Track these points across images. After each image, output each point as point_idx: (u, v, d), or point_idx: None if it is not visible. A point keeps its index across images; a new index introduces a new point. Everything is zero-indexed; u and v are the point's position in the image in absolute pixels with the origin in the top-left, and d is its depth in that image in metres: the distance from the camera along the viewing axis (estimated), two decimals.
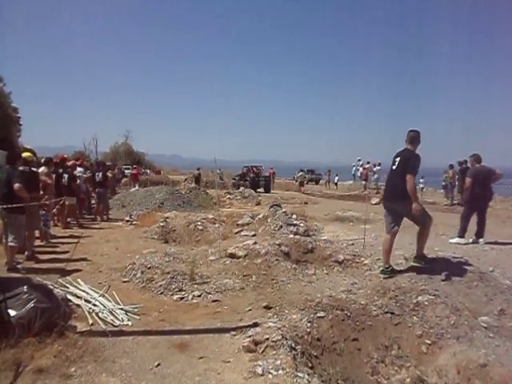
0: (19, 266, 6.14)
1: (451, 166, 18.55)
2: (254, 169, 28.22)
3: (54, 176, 9.71)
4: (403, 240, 8.43)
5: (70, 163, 11.44)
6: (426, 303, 4.86)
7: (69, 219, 10.83)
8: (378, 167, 26.05)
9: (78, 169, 12.58)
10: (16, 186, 5.95)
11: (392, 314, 4.74)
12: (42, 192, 7.61)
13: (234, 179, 28.42)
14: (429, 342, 4.38)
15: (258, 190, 24.30)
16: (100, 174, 11.98)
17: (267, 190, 25.70)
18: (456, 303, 4.85)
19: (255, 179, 26.69)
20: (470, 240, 8.44)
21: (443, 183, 21.53)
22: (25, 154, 7.11)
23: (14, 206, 5.96)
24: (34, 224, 7.22)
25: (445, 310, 4.72)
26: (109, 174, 13.84)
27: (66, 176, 10.41)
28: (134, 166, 27.37)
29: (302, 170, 32.22)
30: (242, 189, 22.22)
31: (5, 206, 6.02)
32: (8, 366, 3.09)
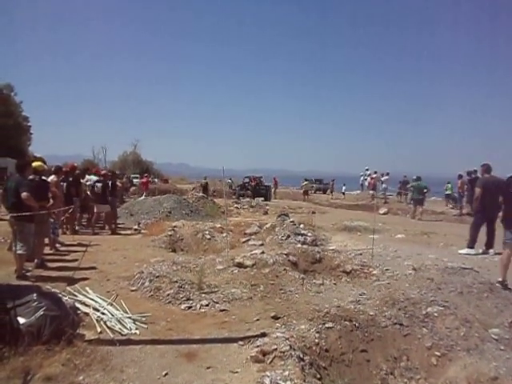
0: (28, 274, 6.18)
1: (460, 176, 18.40)
2: (256, 179, 29.05)
3: (64, 185, 9.81)
4: (412, 250, 8.39)
5: (102, 172, 12.56)
6: (435, 314, 4.81)
7: (77, 227, 10.99)
8: (386, 177, 25.94)
9: (94, 178, 12.83)
10: (23, 194, 5.99)
11: (401, 325, 4.71)
12: (51, 201, 7.65)
13: (235, 189, 29.02)
14: (438, 353, 4.34)
15: (259, 198, 24.69)
16: (109, 183, 12.06)
17: (267, 199, 26.08)
18: (466, 315, 4.80)
19: (256, 188, 27.68)
20: (480, 251, 8.37)
21: (446, 193, 22.03)
22: (35, 164, 7.18)
23: (23, 214, 6.01)
24: (44, 232, 7.27)
25: (455, 322, 4.67)
26: (118, 183, 13.96)
27: (98, 185, 11.15)
28: (146, 175, 27.94)
29: (306, 180, 32.60)
30: (247, 199, 22.58)
31: (14, 215, 6.08)
32: (17, 374, 3.10)
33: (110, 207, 11.91)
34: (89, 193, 11.76)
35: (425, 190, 17.16)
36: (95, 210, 11.37)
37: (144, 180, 25.29)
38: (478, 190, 8.30)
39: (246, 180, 30.13)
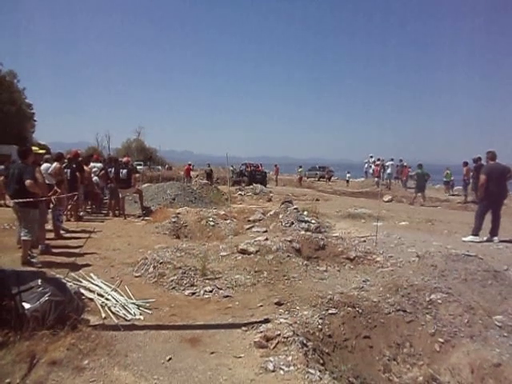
0: (34, 260, 6.20)
1: (465, 163, 18.31)
2: (252, 166, 30.36)
3: (68, 171, 9.82)
4: (416, 237, 8.37)
5: (124, 159, 12.83)
6: (439, 301, 4.81)
7: (82, 213, 11.02)
8: (391, 162, 26.05)
9: (97, 164, 12.83)
10: (27, 182, 5.99)
11: (404, 311, 4.71)
12: (55, 187, 7.66)
13: (232, 176, 29.52)
14: (442, 340, 4.35)
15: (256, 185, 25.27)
16: (113, 170, 12.08)
17: (263, 185, 26.58)
18: (470, 302, 4.79)
19: (252, 174, 28.78)
20: (485, 238, 8.34)
21: (444, 179, 22.70)
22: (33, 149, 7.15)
23: (26, 200, 6.03)
24: (43, 218, 7.26)
25: (458, 309, 4.67)
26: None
27: (123, 171, 11.53)
28: (189, 163, 29.97)
29: (300, 167, 33.52)
30: (243, 184, 23.72)
31: (17, 201, 6.10)
32: (22, 358, 3.12)
33: (113, 194, 11.99)
34: (93, 179, 11.81)
35: (426, 177, 17.87)
36: (120, 196, 11.69)
37: (186, 167, 27.86)
38: (483, 177, 8.25)
39: (243, 167, 30.92)
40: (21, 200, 6.05)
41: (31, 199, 6.09)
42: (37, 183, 6.35)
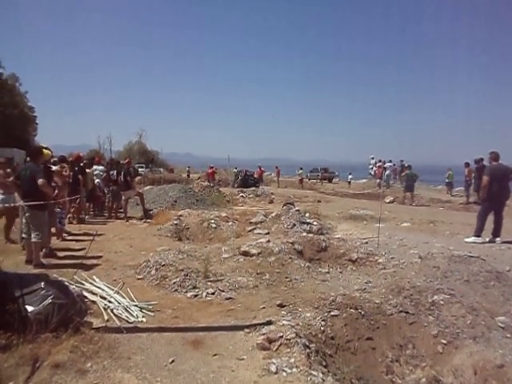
0: (45, 262, 6.22)
1: (467, 164, 18.29)
2: (247, 171, 31.54)
3: (70, 174, 9.86)
4: (418, 239, 8.36)
5: (125, 161, 13.00)
6: (441, 302, 4.81)
7: (87, 217, 11.03)
8: (390, 164, 26.23)
9: (100, 167, 12.87)
10: (40, 181, 6.00)
11: (407, 313, 4.70)
12: (56, 190, 7.68)
13: (231, 180, 30.36)
14: (444, 341, 4.34)
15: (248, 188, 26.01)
16: (114, 173, 12.09)
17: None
18: (472, 303, 4.79)
19: (245, 178, 30.08)
20: (487, 239, 8.33)
21: (446, 180, 22.59)
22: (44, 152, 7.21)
23: (35, 203, 6.04)
24: (51, 221, 7.31)
25: (461, 310, 4.67)
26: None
27: (122, 173, 11.53)
28: (211, 166, 30.39)
29: (301, 168, 33.96)
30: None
31: (27, 203, 6.12)
32: (26, 361, 3.13)
33: (114, 197, 12.00)
34: (95, 182, 11.83)
35: (414, 178, 18.65)
36: (123, 198, 11.76)
37: (210, 171, 28.65)
38: (486, 178, 8.24)
39: (241, 171, 32.24)
40: (33, 203, 6.07)
41: (41, 202, 6.10)
42: (51, 186, 6.44)
